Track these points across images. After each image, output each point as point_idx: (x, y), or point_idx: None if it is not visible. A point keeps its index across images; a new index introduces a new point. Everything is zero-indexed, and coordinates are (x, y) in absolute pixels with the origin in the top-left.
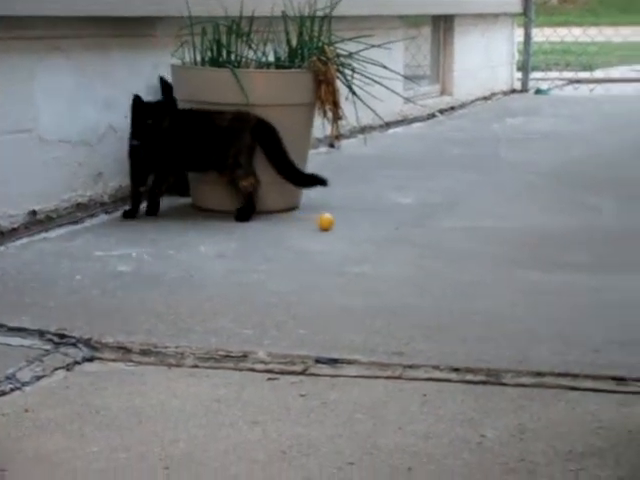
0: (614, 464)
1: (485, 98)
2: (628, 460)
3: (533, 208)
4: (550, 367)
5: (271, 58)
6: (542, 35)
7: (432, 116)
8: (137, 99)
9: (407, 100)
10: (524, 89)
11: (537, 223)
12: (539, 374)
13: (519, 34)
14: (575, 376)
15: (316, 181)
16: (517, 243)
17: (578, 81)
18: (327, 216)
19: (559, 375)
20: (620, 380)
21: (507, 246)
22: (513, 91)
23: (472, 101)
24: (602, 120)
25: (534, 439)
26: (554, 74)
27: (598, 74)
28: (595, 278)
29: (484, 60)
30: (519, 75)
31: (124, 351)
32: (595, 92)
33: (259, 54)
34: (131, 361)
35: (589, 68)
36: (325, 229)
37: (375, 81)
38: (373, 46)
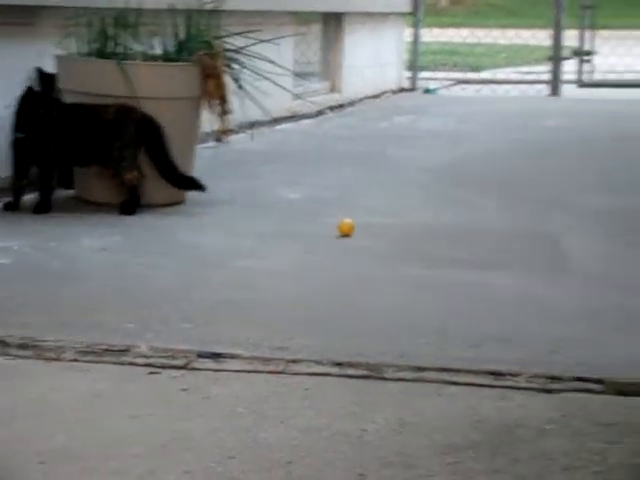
0: (490, 457)
1: (374, 96)
2: (504, 453)
3: (418, 205)
4: (430, 362)
5: (159, 51)
6: (431, 35)
7: (321, 113)
8: (29, 90)
9: (296, 96)
10: (413, 88)
11: (421, 220)
12: (419, 369)
13: (408, 34)
14: (454, 371)
15: (195, 185)
16: (401, 239)
17: (466, 81)
18: (347, 221)
19: (439, 370)
20: (498, 375)
21: (391, 242)
22: (402, 90)
23: (361, 99)
24: (488, 120)
25: (413, 433)
26: (442, 74)
27: (485, 75)
28: (475, 275)
29: (373, 58)
30: (408, 74)
31: (2, 345)
32: (482, 93)
33: (146, 47)
34: (8, 355)
35: (476, 69)
36: (346, 234)
37: (263, 76)
38: (262, 41)
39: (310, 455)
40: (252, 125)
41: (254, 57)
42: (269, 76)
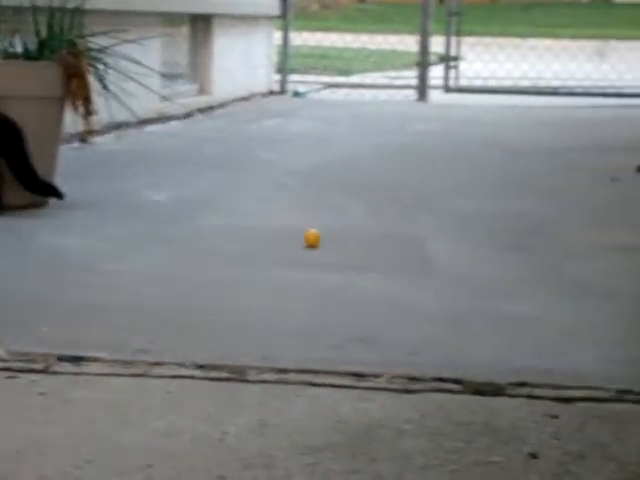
0: (349, 457)
1: (244, 99)
2: (363, 453)
3: (286, 208)
4: (292, 363)
5: (20, 49)
6: (301, 39)
7: (190, 115)
8: None
9: (164, 98)
10: (282, 91)
11: (287, 222)
12: (282, 371)
13: (278, 37)
14: (316, 372)
15: (52, 192)
16: (265, 241)
17: (335, 85)
18: (313, 232)
19: (301, 371)
20: (359, 376)
21: (256, 244)
22: (271, 93)
23: (231, 101)
24: (357, 124)
25: (274, 434)
26: (312, 77)
27: (354, 79)
28: (339, 277)
29: (243, 61)
30: (278, 77)
31: None
32: (351, 97)
33: (6, 45)
34: None
35: (345, 73)
36: (312, 245)
37: (129, 77)
38: (127, 41)
39: (170, 458)
40: (119, 126)
41: (119, 57)
42: (135, 77)
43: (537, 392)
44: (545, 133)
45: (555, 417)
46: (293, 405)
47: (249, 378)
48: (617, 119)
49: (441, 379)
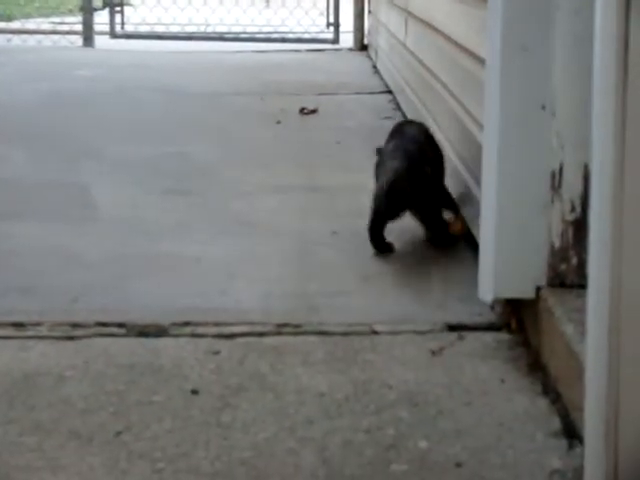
0: (7, 407)
1: None
2: (21, 402)
3: None
4: None
5: None
6: None
7: None
8: None
9: None
10: None
11: None
12: None
13: None
14: None
15: None
16: None
17: None
18: None
19: None
20: (19, 326)
21: None
22: None
23: None
24: (19, 70)
25: None
26: None
27: (16, 25)
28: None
29: None
30: None
31: None
32: (12, 43)
33: None
34: None
35: (7, 18)
36: None
37: None
38: None
39: None
40: None
41: None
42: None
43: (200, 330)
44: (211, 78)
45: (217, 353)
46: None
47: None
48: (282, 64)
49: (104, 324)
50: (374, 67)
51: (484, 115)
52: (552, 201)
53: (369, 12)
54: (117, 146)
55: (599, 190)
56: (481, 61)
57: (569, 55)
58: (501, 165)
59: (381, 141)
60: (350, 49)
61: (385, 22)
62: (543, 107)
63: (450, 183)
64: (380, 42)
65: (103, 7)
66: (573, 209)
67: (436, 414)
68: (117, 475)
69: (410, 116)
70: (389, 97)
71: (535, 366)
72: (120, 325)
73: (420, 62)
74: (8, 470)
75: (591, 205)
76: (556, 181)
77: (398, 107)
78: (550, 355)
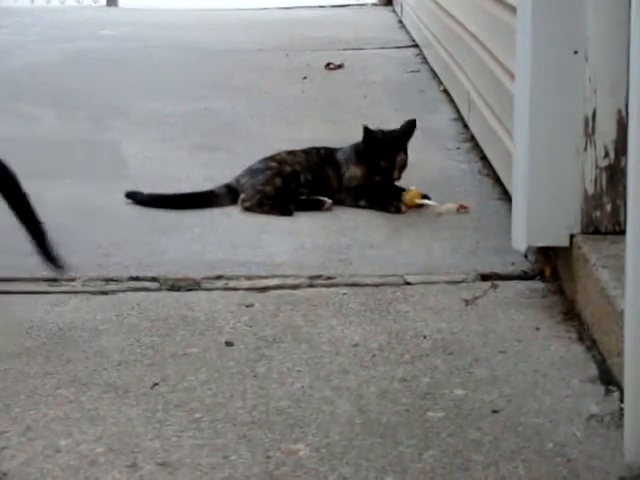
0: (43, 360)
1: None
2: (57, 356)
3: None
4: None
5: None
6: None
7: None
8: None
9: None
10: None
11: None
12: None
13: None
14: (8, 280)
15: None
16: None
17: None
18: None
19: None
20: (52, 281)
21: None
22: None
23: None
24: (45, 31)
25: None
26: None
27: None
28: (32, 184)
29: None
30: None
31: None
32: (36, 4)
33: None
34: None
35: None
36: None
37: None
38: None
39: None
40: None
41: None
42: None
43: (232, 284)
44: (236, 35)
45: (250, 306)
46: None
47: None
48: (307, 20)
49: (137, 278)
50: (399, 22)
51: (516, 62)
52: (585, 147)
53: None
54: (144, 103)
55: (637, 134)
56: (511, 8)
57: None
58: (533, 112)
59: (408, 95)
60: (374, 4)
61: None
62: (576, 52)
63: (479, 133)
64: None
65: None
66: (607, 155)
67: (471, 362)
68: (155, 425)
69: (437, 69)
70: (415, 51)
71: (570, 313)
72: (153, 279)
73: (448, 13)
74: (47, 422)
75: (629, 149)
76: (589, 127)
77: (425, 60)
78: (585, 302)
